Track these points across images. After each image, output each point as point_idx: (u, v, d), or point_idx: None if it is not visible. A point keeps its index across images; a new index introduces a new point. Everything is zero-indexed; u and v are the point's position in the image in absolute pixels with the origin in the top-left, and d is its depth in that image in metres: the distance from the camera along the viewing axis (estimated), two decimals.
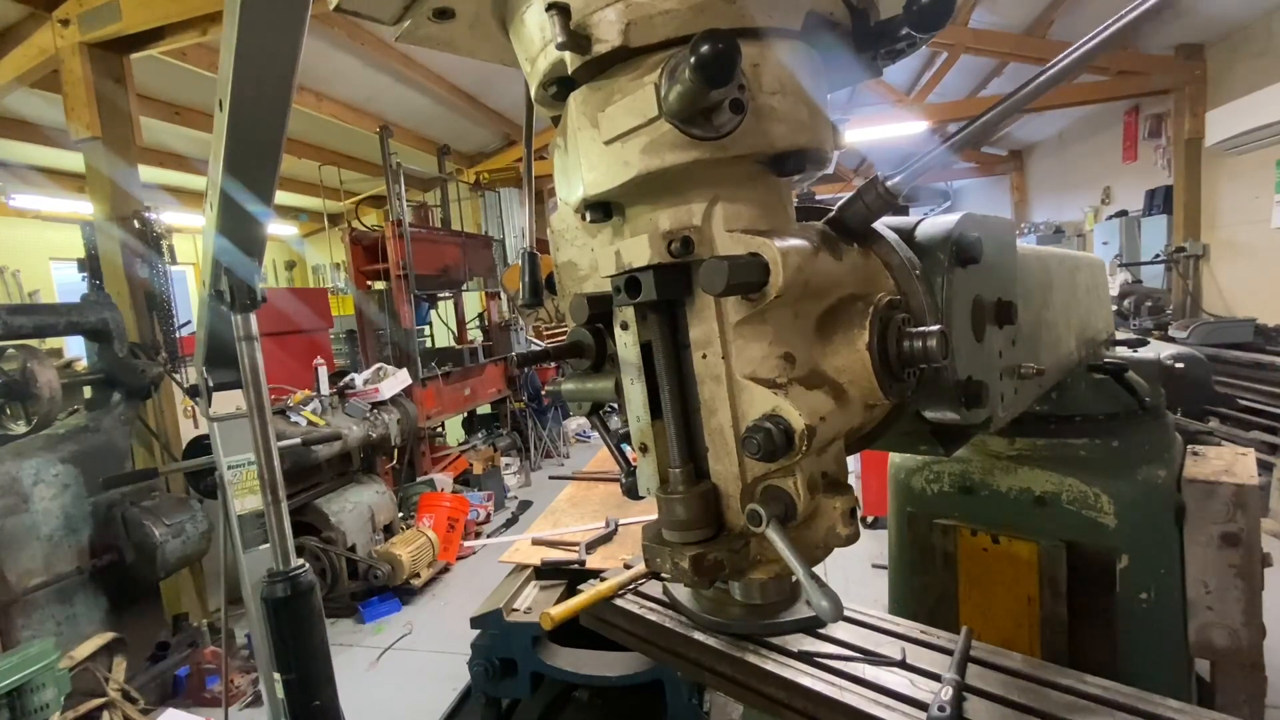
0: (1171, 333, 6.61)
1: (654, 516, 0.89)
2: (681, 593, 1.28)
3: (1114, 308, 5.75)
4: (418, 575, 5.27)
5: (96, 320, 3.98)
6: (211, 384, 2.60)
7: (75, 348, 6.92)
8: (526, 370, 8.54)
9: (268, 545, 2.45)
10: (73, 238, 5.30)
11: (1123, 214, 9.07)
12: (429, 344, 8.90)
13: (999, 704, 0.97)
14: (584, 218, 0.87)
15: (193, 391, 2.74)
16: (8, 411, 3.75)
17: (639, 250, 0.78)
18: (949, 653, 1.08)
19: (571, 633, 1.85)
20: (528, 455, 8.86)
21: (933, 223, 0.96)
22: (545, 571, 2.87)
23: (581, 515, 3.35)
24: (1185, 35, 7.30)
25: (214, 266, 2.07)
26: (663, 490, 0.85)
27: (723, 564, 0.82)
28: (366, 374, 6.29)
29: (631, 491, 0.95)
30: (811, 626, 1.15)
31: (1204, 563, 1.52)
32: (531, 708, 2.84)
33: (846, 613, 0.99)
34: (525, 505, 7.28)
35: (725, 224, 0.77)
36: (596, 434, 1.49)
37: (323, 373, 5.66)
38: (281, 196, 10.34)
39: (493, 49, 0.91)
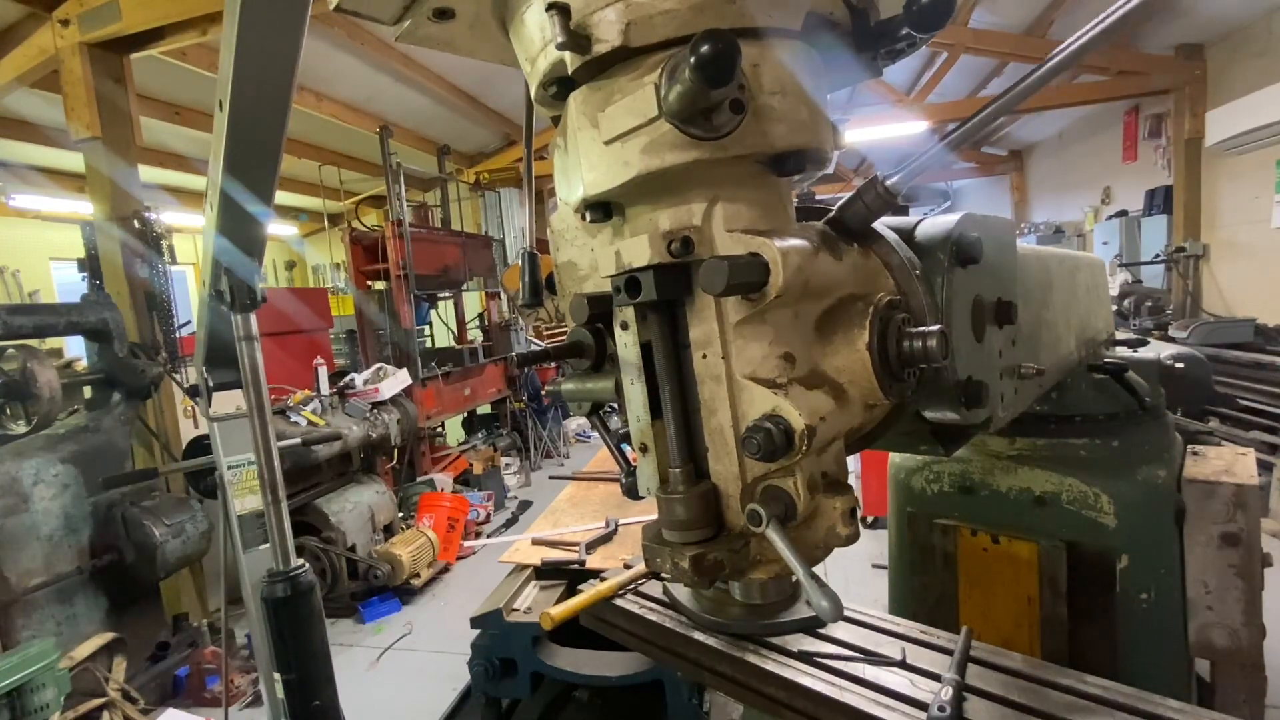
0: (1171, 333, 6.61)
1: (654, 516, 0.89)
2: (681, 593, 1.28)
3: (1114, 308, 5.75)
4: (418, 575, 5.27)
5: (96, 320, 3.98)
6: (211, 384, 2.60)
7: (75, 348, 6.92)
8: (526, 370, 8.54)
9: (268, 545, 2.45)
10: (73, 238, 5.30)
11: (1123, 214, 9.07)
12: (429, 344, 8.91)
13: (999, 704, 0.97)
14: (584, 218, 0.87)
15: (193, 391, 2.74)
16: (8, 411, 3.75)
17: (639, 250, 0.78)
18: (949, 653, 1.08)
19: (571, 633, 1.85)
20: (528, 455, 8.86)
21: (933, 223, 0.96)
22: (545, 571, 2.87)
23: (581, 515, 3.35)
24: (1185, 35, 7.30)
25: (214, 266, 2.07)
26: (663, 490, 0.85)
27: (723, 564, 0.82)
28: (366, 374, 6.29)
29: (631, 491, 0.95)
30: (811, 626, 1.15)
31: (1204, 563, 1.52)
32: (531, 708, 2.83)
33: (846, 613, 0.99)
34: (525, 505, 7.28)
35: (725, 224, 0.77)
36: (596, 434, 1.49)
37: (323, 373, 5.66)
38: (281, 196, 10.34)
39: (493, 49, 0.91)
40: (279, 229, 12.92)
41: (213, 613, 4.76)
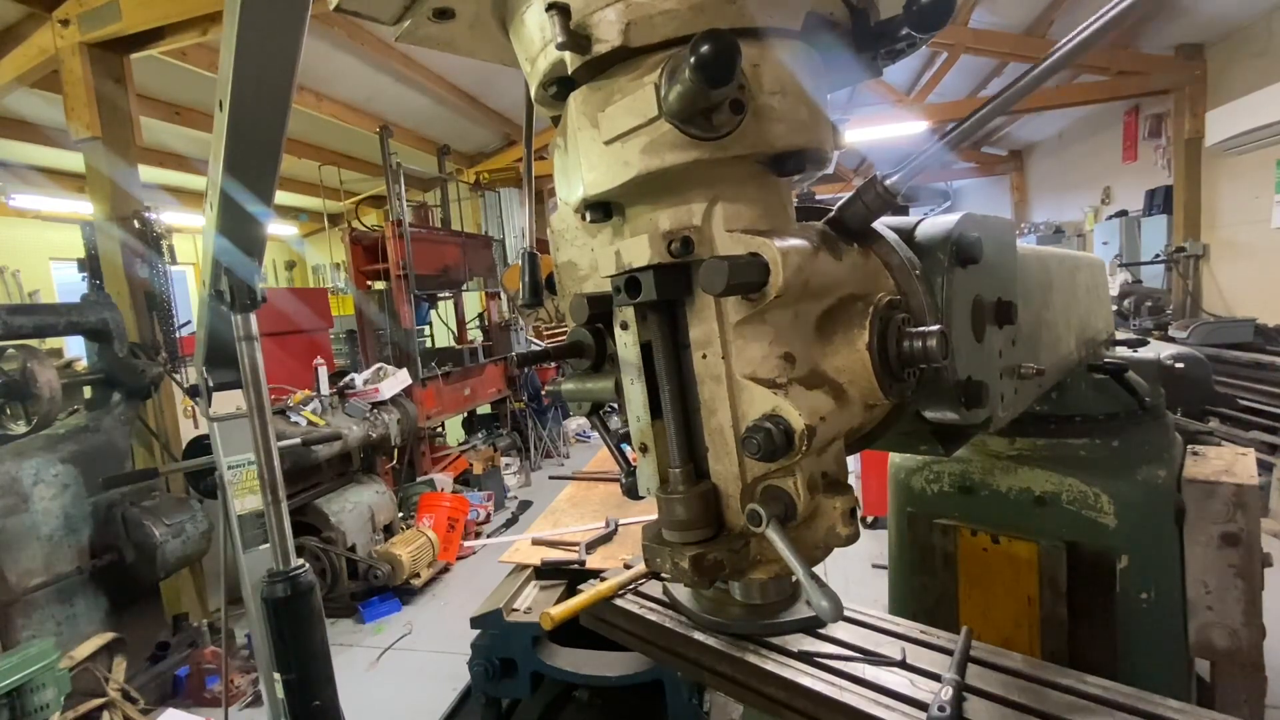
0: (1171, 333, 6.61)
1: (654, 516, 0.89)
2: (681, 593, 1.28)
3: (1114, 308, 5.75)
4: (418, 575, 5.27)
5: (96, 320, 3.98)
6: (211, 384, 2.60)
7: (75, 348, 6.92)
8: (526, 370, 8.54)
9: (268, 545, 2.45)
10: (73, 238, 5.30)
11: (1123, 214, 9.08)
12: (429, 344, 8.91)
13: (999, 704, 0.97)
14: (584, 218, 0.87)
15: (193, 391, 2.74)
16: (8, 411, 3.75)
17: (639, 250, 0.78)
18: (949, 653, 1.08)
19: (571, 633, 1.85)
20: (528, 455, 8.86)
21: (933, 223, 0.96)
22: (545, 571, 2.87)
23: (581, 515, 3.35)
24: (1185, 35, 7.30)
25: (214, 266, 2.07)
26: (663, 490, 0.85)
27: (723, 564, 0.82)
28: (366, 374, 6.29)
29: (631, 491, 0.95)
30: (811, 626, 1.15)
31: (1204, 563, 1.52)
32: (531, 708, 2.83)
33: (846, 613, 0.99)
34: (525, 505, 7.28)
35: (725, 224, 0.77)
36: (596, 434, 1.49)
37: (323, 373, 5.66)
38: (281, 196, 10.35)
39: (493, 49, 0.91)
40: (279, 229, 12.92)
41: (213, 613, 4.76)
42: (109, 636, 3.60)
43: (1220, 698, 1.61)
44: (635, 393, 0.87)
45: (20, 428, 3.75)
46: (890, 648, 1.11)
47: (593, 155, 0.79)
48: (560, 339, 1.12)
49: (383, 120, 7.89)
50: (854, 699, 0.99)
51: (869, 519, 5.36)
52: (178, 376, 4.62)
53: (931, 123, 8.52)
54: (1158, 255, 8.11)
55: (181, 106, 7.21)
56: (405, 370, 6.48)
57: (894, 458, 1.89)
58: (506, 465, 8.07)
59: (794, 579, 1.10)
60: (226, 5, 1.28)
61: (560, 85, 0.81)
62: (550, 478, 7.86)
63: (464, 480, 7.33)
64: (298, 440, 4.02)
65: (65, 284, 9.62)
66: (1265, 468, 5.05)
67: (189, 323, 4.02)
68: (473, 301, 9.93)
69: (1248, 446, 1.88)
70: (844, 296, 0.85)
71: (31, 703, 2.83)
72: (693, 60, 0.61)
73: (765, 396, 0.76)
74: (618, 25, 0.71)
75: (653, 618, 1.27)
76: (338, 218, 11.38)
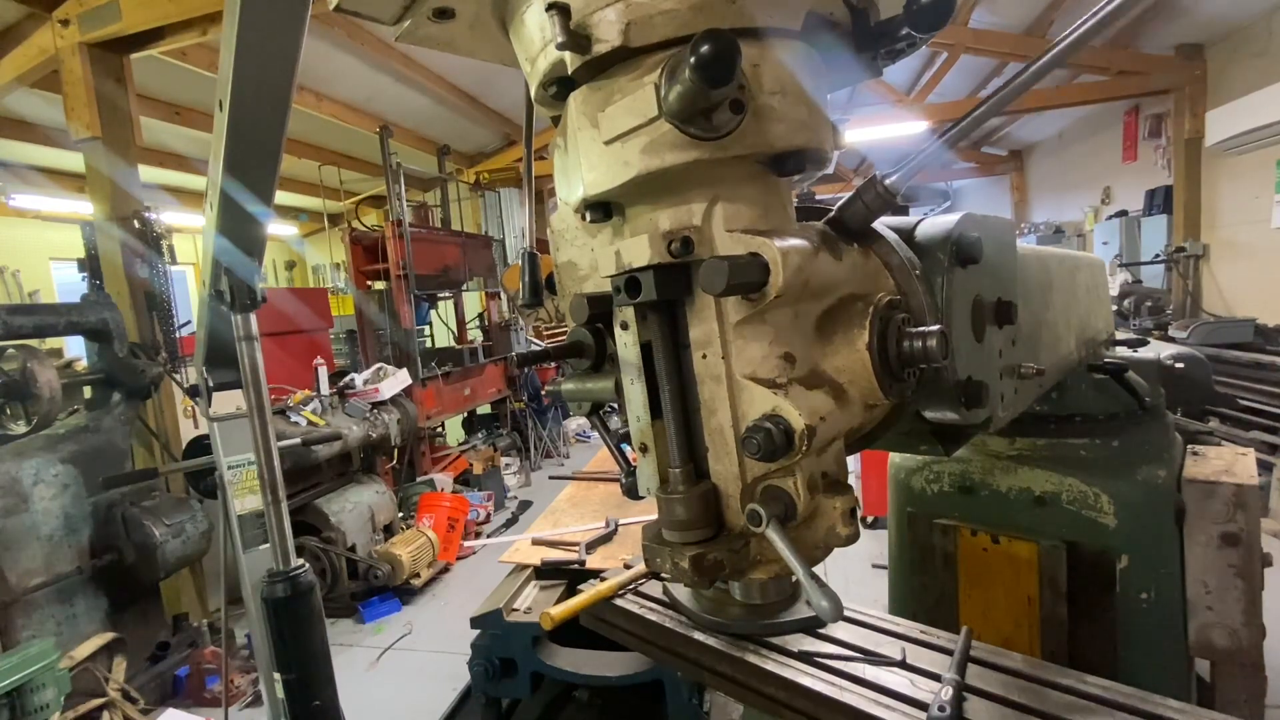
0: (1171, 333, 6.61)
1: (654, 516, 0.89)
2: (681, 593, 1.28)
3: (1114, 308, 5.75)
4: (418, 575, 5.27)
5: (96, 320, 3.98)
6: (211, 384, 2.60)
7: (75, 348, 6.92)
8: (526, 370, 8.54)
9: (268, 545, 2.45)
10: (73, 238, 5.30)
11: (1123, 214, 9.07)
12: (429, 344, 8.91)
13: (999, 704, 0.97)
14: (584, 218, 0.87)
15: (193, 391, 2.74)
16: (8, 411, 3.75)
17: (639, 250, 0.78)
18: (949, 653, 1.08)
19: (571, 633, 1.85)
20: (528, 455, 8.86)
21: (933, 223, 0.96)
22: (545, 571, 2.87)
23: (581, 515, 3.35)
24: (1185, 35, 7.30)
25: (214, 266, 2.07)
26: (663, 490, 0.85)
27: (723, 564, 0.82)
28: (366, 374, 6.29)
29: (631, 491, 0.95)
30: (811, 626, 1.15)
31: (1204, 563, 1.52)
32: (531, 708, 2.84)
33: (846, 613, 0.99)
34: (525, 505, 7.28)
35: (725, 224, 0.77)
36: (596, 434, 1.49)
37: (323, 373, 5.66)
38: (281, 196, 10.35)
39: (493, 49, 0.91)
40: (279, 229, 12.92)
41: (213, 613, 4.76)
42: (109, 636, 3.60)
43: (1220, 698, 1.61)
44: (635, 393, 0.87)
45: (20, 428, 3.75)
46: (890, 648, 1.11)
47: (593, 155, 0.79)
48: (560, 339, 1.12)
49: (383, 120, 7.89)
50: (854, 699, 0.99)
51: (869, 519, 5.36)
52: (178, 376, 4.62)
53: (931, 123, 8.52)
54: (1158, 255, 8.11)
55: (181, 106, 7.21)
56: (405, 370, 6.48)
57: (894, 458, 1.89)
58: (506, 465, 8.07)
59: (794, 579, 1.10)
60: (226, 5, 1.28)
61: (560, 85, 0.81)
62: (550, 478, 7.86)
63: (464, 480, 7.33)
64: (298, 440, 4.02)
65: (65, 284, 9.62)
66: (1265, 468, 5.05)
67: (189, 323, 4.02)
68: (473, 301, 9.93)
69: (1248, 446, 1.88)
70: (844, 296, 0.85)
71: (31, 703, 2.83)
72: (693, 60, 0.61)
73: (765, 396, 0.76)
74: (618, 25, 0.71)
75: (653, 618, 1.27)
76: (338, 218, 11.38)
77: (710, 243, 0.78)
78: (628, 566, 1.47)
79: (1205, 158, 7.51)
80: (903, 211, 1.02)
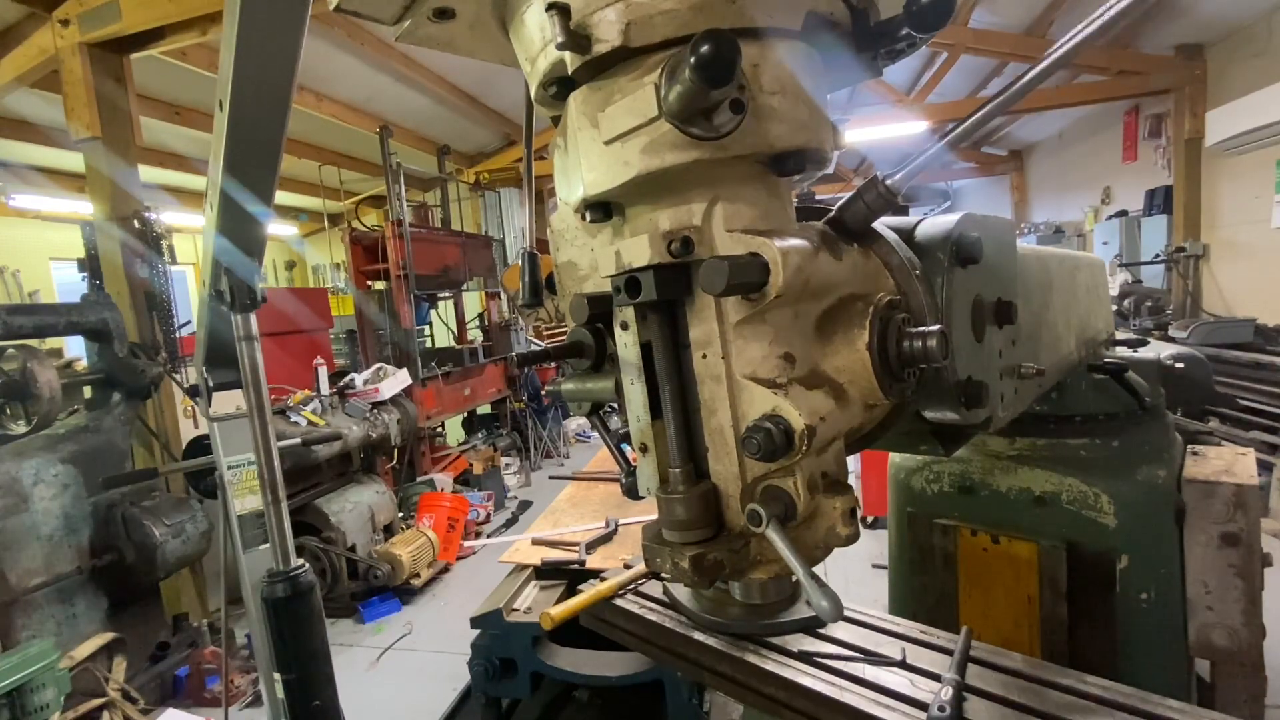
0: (1171, 333, 6.61)
1: (654, 516, 0.89)
2: (681, 593, 1.28)
3: (1114, 308, 5.75)
4: (418, 575, 5.27)
5: (96, 320, 3.98)
6: (211, 384, 2.59)
7: (75, 348, 6.92)
8: (526, 370, 8.55)
9: (268, 545, 2.45)
10: (73, 238, 5.30)
11: (1123, 214, 9.07)
12: (429, 344, 8.91)
13: (999, 704, 0.97)
14: (584, 218, 0.87)
15: (193, 391, 2.74)
16: (8, 411, 3.75)
17: (639, 250, 0.78)
18: (949, 653, 1.08)
19: (571, 633, 1.85)
20: (528, 455, 8.86)
21: (933, 223, 0.96)
22: (545, 571, 2.87)
23: (581, 515, 3.35)
24: (1185, 35, 7.30)
25: (214, 266, 2.07)
26: (663, 490, 0.85)
27: (723, 564, 0.82)
28: (366, 374, 6.29)
29: (631, 491, 0.95)
30: (811, 626, 1.15)
31: (1204, 563, 1.52)
32: (531, 708, 2.84)
33: (846, 613, 0.99)
34: (525, 505, 7.28)
35: (725, 224, 0.77)
36: (596, 434, 1.49)
37: (323, 373, 5.66)
38: (281, 196, 10.35)
39: (493, 49, 0.91)
40: (279, 229, 12.92)
41: (213, 613, 4.76)
42: (109, 636, 3.60)
43: (1220, 698, 1.61)
44: (635, 393, 0.87)
45: (20, 428, 3.75)
46: (890, 648, 1.11)
47: (593, 155, 0.78)
48: (560, 339, 1.12)
49: (383, 120, 7.89)
50: (854, 699, 0.99)
51: (869, 519, 5.36)
52: (178, 376, 4.62)
53: (931, 123, 8.52)
54: (1158, 255, 8.11)
55: (181, 106, 7.21)
56: (405, 370, 6.48)
57: (894, 458, 1.89)
58: (506, 465, 8.07)
59: (794, 579, 1.10)
60: (226, 5, 1.28)
61: (560, 85, 0.81)
62: (550, 478, 7.86)
63: (464, 480, 7.33)
64: (298, 440, 4.01)
65: (65, 284, 9.62)
66: (1265, 468, 5.05)
67: (189, 323, 4.02)
68: (473, 301, 9.93)
69: (1248, 446, 1.88)
70: (844, 296, 0.85)
71: (31, 703, 2.83)
72: (693, 60, 0.61)
73: (765, 396, 0.76)
74: (618, 25, 0.71)
75: (653, 618, 1.27)
76: (338, 218, 11.38)
77: (710, 243, 0.78)
78: (628, 566, 1.47)
79: (1205, 158, 7.51)
80: (903, 211, 1.02)
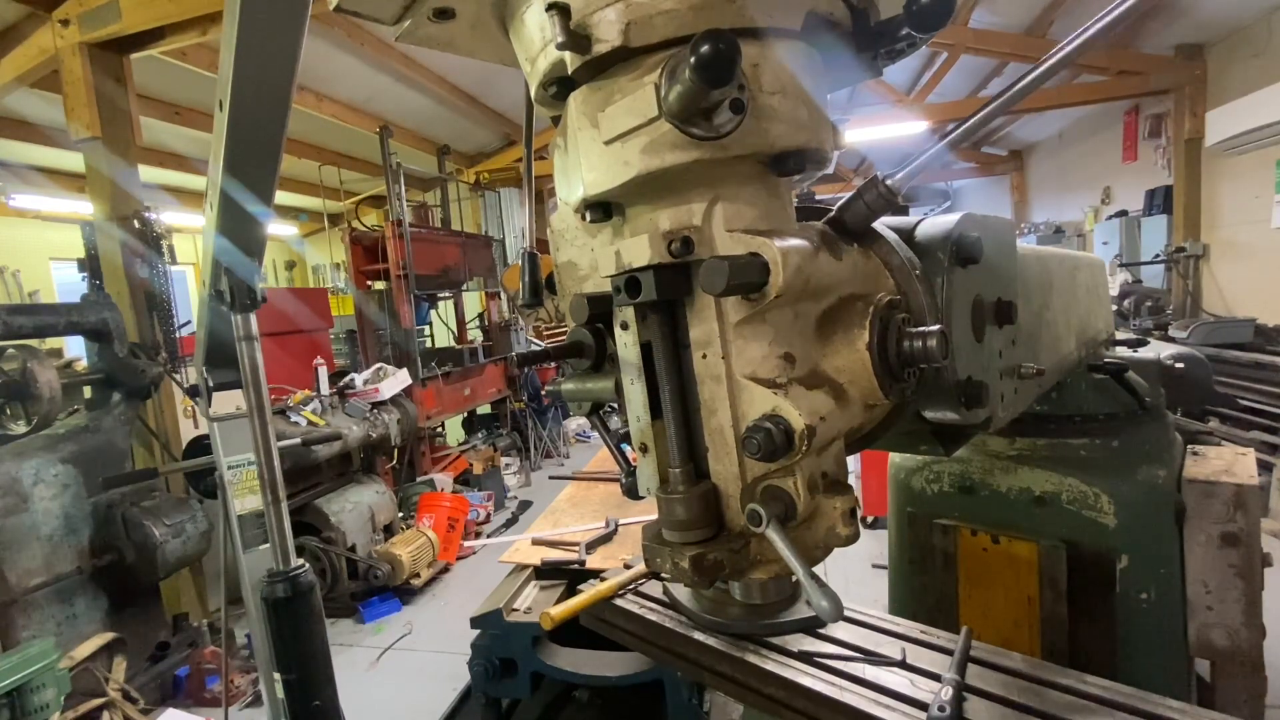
0: (1171, 333, 6.61)
1: (654, 516, 0.89)
2: (681, 593, 1.28)
3: (1114, 308, 5.75)
4: (418, 575, 5.27)
5: (96, 320, 3.98)
6: (211, 384, 2.59)
7: (75, 348, 6.92)
8: (526, 370, 8.55)
9: (268, 545, 2.45)
10: (73, 238, 5.30)
11: (1123, 214, 9.07)
12: (429, 344, 8.90)
13: (999, 704, 0.97)
14: (584, 218, 0.87)
15: (193, 391, 2.74)
16: (8, 411, 3.75)
17: (639, 250, 0.78)
18: (949, 653, 1.08)
19: (571, 633, 1.85)
20: (528, 455, 8.86)
21: (933, 223, 0.96)
22: (545, 571, 2.87)
23: (581, 515, 3.35)
24: (1185, 35, 7.30)
25: (214, 266, 2.07)
26: (663, 490, 0.85)
27: (723, 564, 0.82)
28: (366, 374, 6.29)
29: (631, 491, 0.95)
30: (811, 626, 1.15)
31: (1204, 563, 1.52)
32: (531, 708, 2.84)
33: (846, 613, 0.99)
34: (525, 505, 7.28)
35: (725, 224, 0.77)
36: (596, 434, 1.49)
37: (323, 373, 5.66)
38: (281, 196, 10.34)
39: (493, 49, 0.91)
40: (279, 229, 12.92)
41: (213, 613, 4.76)
42: (109, 636, 3.60)
43: (1220, 698, 1.61)
44: (635, 393, 0.87)
45: (20, 428, 3.75)
46: (890, 648, 1.11)
47: (593, 155, 0.78)
48: (560, 339, 1.12)
49: (383, 120, 7.89)
50: (854, 699, 0.99)
51: (869, 519, 5.36)
52: (178, 376, 4.62)
53: (931, 123, 8.52)
54: (1158, 255, 8.11)
55: (181, 106, 7.21)
56: (405, 370, 6.48)
57: (894, 458, 1.89)
58: (506, 465, 8.07)
59: (794, 579, 1.10)
60: (226, 5, 1.28)
61: (560, 85, 0.81)
62: (550, 478, 7.86)
63: (464, 480, 7.33)
64: (298, 440, 4.01)
65: (65, 284, 9.62)
66: (1265, 468, 5.05)
67: (189, 323, 4.02)
68: (473, 301, 9.93)
69: (1248, 446, 1.88)
70: (844, 296, 0.85)
71: (31, 703, 2.82)
72: (693, 60, 0.61)
73: (765, 396, 0.76)
74: (618, 25, 0.71)
75: (653, 618, 1.27)
76: (338, 218, 11.38)
77: (710, 243, 0.78)
78: (628, 566, 1.47)
79: (1205, 158, 7.51)
80: (903, 211, 1.02)
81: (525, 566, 2.92)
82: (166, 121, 7.17)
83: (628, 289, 0.79)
